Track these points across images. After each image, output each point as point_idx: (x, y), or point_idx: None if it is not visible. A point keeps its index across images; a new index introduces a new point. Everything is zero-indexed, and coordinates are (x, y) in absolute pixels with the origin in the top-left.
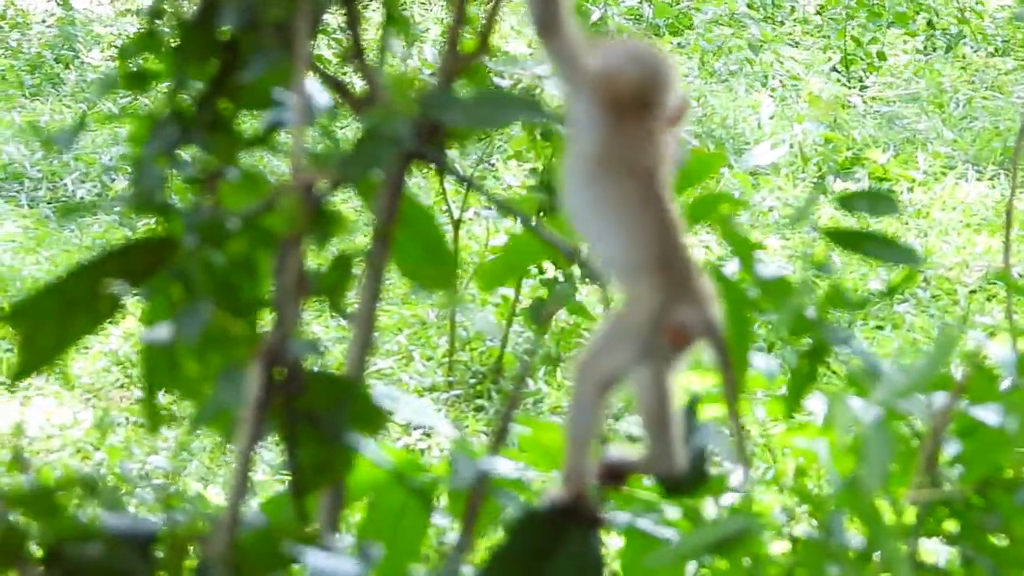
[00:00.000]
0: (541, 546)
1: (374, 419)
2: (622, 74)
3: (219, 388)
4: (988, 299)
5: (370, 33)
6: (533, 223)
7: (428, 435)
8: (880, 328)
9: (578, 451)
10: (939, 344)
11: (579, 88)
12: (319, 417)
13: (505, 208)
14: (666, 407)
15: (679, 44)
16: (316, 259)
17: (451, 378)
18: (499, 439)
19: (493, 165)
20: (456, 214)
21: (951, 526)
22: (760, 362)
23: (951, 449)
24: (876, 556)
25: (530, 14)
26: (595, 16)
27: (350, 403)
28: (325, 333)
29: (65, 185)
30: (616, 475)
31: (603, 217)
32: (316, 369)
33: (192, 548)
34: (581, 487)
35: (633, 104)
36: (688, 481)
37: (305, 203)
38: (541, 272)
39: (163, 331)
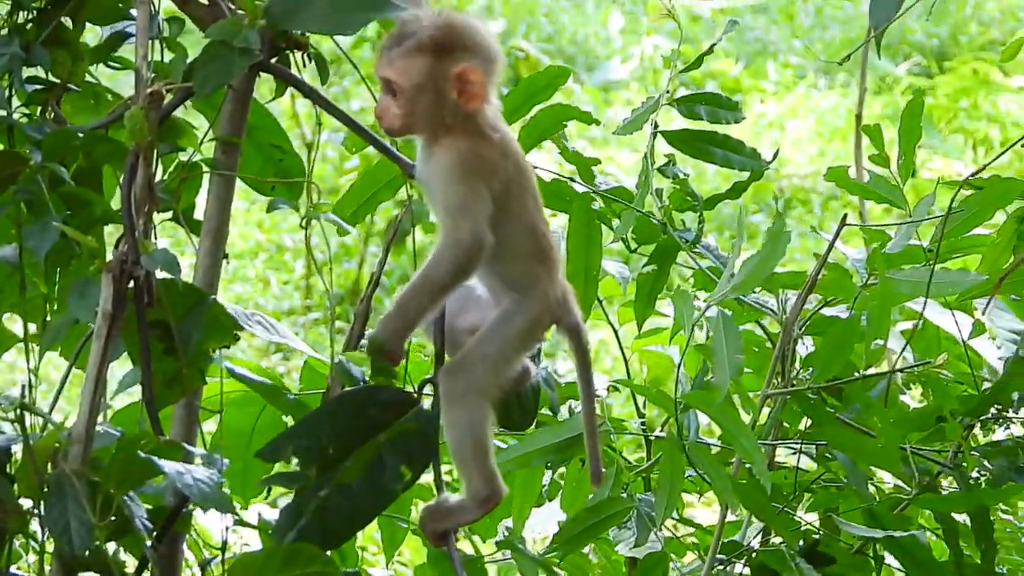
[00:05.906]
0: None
1: (226, 329)
2: None
3: (70, 303)
4: (844, 206)
5: None
6: (385, 143)
7: (287, 359)
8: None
9: (485, 461)
10: (770, 237)
11: None
12: (171, 328)
13: (357, 127)
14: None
15: None
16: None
17: (308, 301)
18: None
19: (346, 88)
20: (308, 136)
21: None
22: (612, 267)
23: (809, 350)
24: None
25: None
26: None
27: (201, 313)
28: (181, 256)
29: None
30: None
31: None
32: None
33: (49, 463)
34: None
35: None
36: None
37: (151, 114)
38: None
39: (8, 250)
